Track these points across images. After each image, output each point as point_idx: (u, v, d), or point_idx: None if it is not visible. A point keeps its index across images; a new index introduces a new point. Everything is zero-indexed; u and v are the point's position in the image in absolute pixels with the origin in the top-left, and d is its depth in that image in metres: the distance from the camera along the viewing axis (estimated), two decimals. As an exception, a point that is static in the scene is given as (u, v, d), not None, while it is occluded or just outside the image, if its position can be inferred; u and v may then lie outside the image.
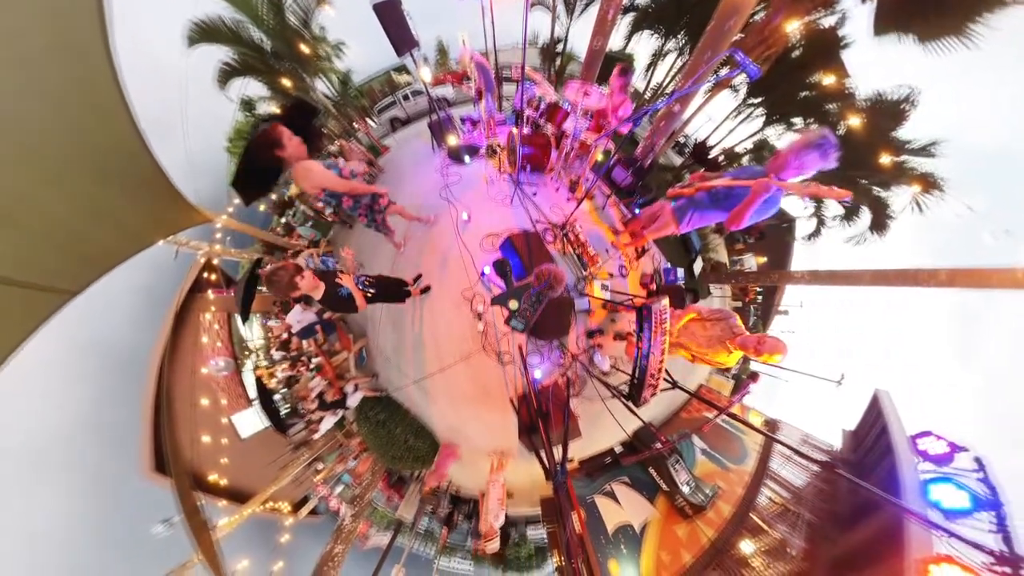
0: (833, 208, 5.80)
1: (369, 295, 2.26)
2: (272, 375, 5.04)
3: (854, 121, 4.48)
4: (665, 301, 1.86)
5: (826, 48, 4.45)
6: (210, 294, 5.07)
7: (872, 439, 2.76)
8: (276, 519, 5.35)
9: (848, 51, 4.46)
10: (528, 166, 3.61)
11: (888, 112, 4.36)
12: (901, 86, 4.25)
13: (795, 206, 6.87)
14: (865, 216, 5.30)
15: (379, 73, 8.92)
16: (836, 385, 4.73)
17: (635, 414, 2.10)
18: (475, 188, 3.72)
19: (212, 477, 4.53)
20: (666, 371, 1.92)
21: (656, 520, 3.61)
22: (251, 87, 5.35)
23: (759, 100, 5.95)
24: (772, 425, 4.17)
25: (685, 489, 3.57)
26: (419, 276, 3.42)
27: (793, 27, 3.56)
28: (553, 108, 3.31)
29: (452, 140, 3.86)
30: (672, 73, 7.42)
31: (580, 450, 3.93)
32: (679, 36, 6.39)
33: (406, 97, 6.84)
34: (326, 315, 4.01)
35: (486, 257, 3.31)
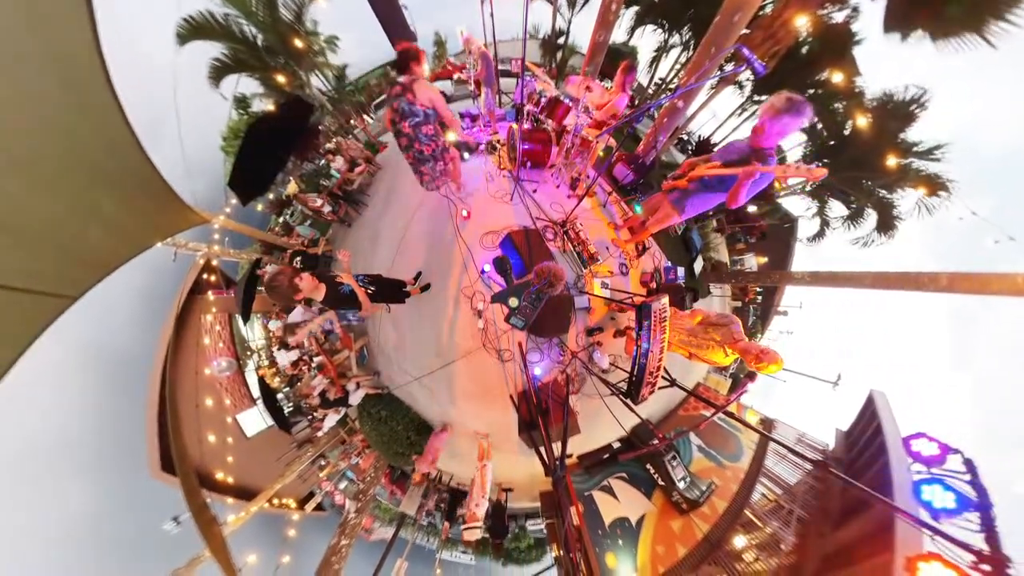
0: (837, 209, 5.75)
1: (369, 292, 2.27)
2: (275, 374, 5.09)
3: (861, 121, 4.40)
4: (665, 300, 1.87)
5: (836, 44, 4.34)
6: (210, 295, 5.08)
7: (866, 439, 2.80)
8: (282, 515, 5.47)
9: (859, 48, 4.35)
10: (528, 162, 3.58)
11: (897, 113, 4.26)
12: (911, 86, 4.14)
13: (798, 207, 6.82)
14: (870, 218, 5.26)
15: (376, 68, 8.76)
16: (832, 386, 4.76)
17: (633, 411, 2.13)
18: (475, 185, 3.69)
19: (219, 475, 4.62)
20: (664, 369, 1.94)
21: (652, 514, 3.69)
22: (245, 84, 5.27)
23: (764, 97, 5.86)
24: (768, 424, 4.22)
25: (681, 485, 3.64)
26: (419, 274, 3.42)
27: (802, 22, 3.47)
28: (554, 103, 3.26)
29: (451, 136, 3.82)
30: (676, 68, 7.28)
31: (579, 446, 3.99)
32: (683, 30, 6.26)
33: (404, 92, 6.75)
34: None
35: (486, 254, 3.30)
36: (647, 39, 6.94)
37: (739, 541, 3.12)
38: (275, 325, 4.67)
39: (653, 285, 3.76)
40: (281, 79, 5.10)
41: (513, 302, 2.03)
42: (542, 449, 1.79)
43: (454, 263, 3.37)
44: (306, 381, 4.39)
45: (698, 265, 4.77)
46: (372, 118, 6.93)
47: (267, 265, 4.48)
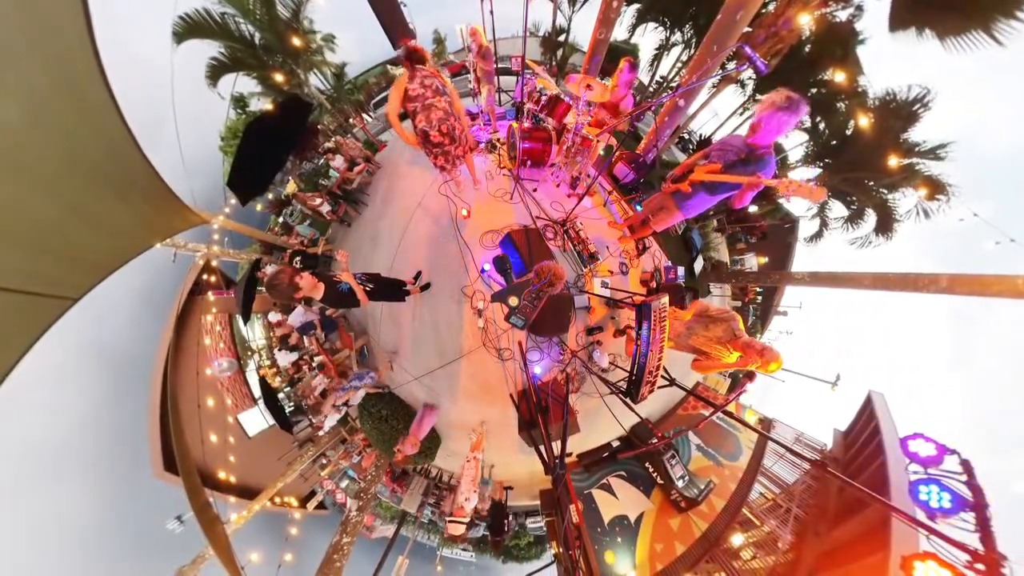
0: (837, 209, 5.74)
1: (368, 289, 2.27)
2: (276, 373, 5.11)
3: (863, 120, 4.37)
4: (665, 299, 1.87)
5: (839, 43, 4.30)
6: (211, 296, 5.09)
7: (864, 439, 2.81)
8: (285, 513, 5.50)
9: (862, 47, 4.30)
10: (528, 161, 3.57)
11: (900, 113, 4.22)
12: (914, 86, 4.10)
13: (799, 207, 6.81)
14: (870, 218, 5.25)
15: (375, 67, 8.69)
16: (831, 386, 4.78)
17: (633, 410, 2.13)
18: (475, 184, 3.68)
19: (221, 475, 4.64)
20: (664, 368, 1.94)
21: (651, 512, 3.72)
22: (243, 83, 5.23)
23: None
24: (766, 423, 4.24)
25: (680, 483, 3.67)
26: (419, 273, 3.42)
27: (805, 21, 3.44)
28: (554, 101, 3.25)
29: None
30: (677, 66, 7.23)
31: (578, 445, 4.01)
32: (685, 28, 6.21)
33: (403, 91, 6.72)
34: (328, 312, 4.03)
35: (486, 254, 3.30)
36: (648, 37, 6.89)
37: (737, 539, 3.15)
38: (275, 317, 4.68)
39: (653, 284, 3.76)
40: (279, 78, 5.07)
41: (513, 301, 2.04)
42: (542, 448, 1.80)
43: (454, 262, 3.37)
44: (307, 380, 4.41)
45: (698, 265, 4.77)
46: (371, 117, 6.90)
47: (267, 265, 4.49)
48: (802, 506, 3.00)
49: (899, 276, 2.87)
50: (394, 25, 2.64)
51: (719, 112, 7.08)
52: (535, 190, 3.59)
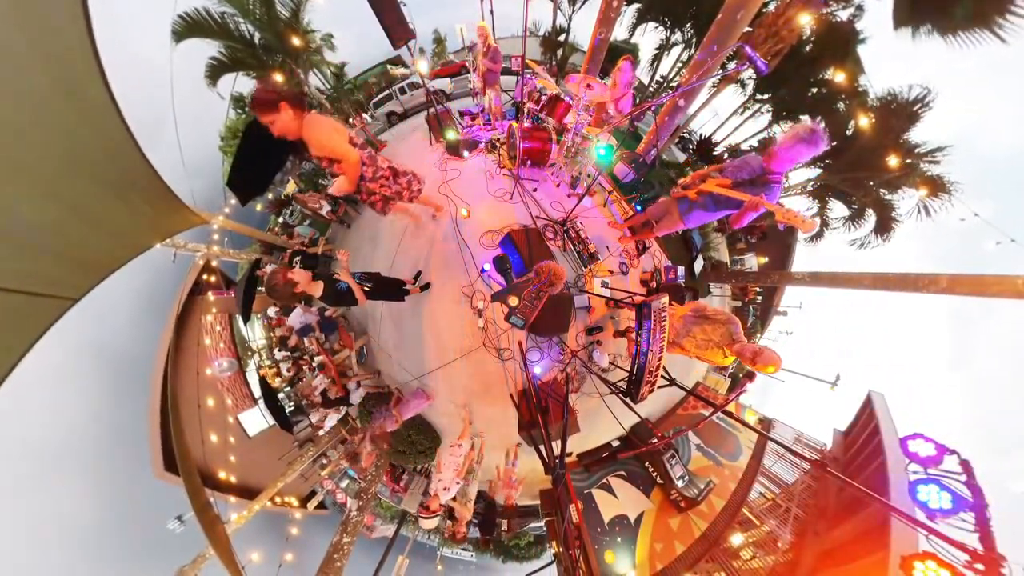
0: (837, 210, 5.74)
1: (367, 289, 2.27)
2: (277, 374, 5.11)
3: (864, 121, 4.37)
4: (665, 299, 1.87)
5: (840, 43, 4.29)
6: (210, 296, 5.08)
7: (864, 439, 2.81)
8: (285, 513, 5.51)
9: (863, 46, 4.30)
10: (528, 161, 3.56)
11: (900, 113, 4.22)
12: (915, 86, 4.10)
13: (799, 207, 6.81)
14: (870, 219, 5.25)
15: (375, 66, 8.69)
16: (831, 387, 4.78)
17: (633, 410, 2.14)
18: (475, 184, 3.68)
19: (222, 475, 4.64)
20: (664, 368, 1.95)
21: (651, 512, 3.72)
22: (243, 83, 5.22)
23: (767, 96, 5.82)
24: (766, 423, 4.24)
25: (680, 483, 3.67)
26: (419, 273, 3.42)
27: (806, 20, 3.43)
28: (554, 101, 3.25)
29: (451, 135, 3.80)
30: (677, 66, 7.22)
31: (578, 444, 4.01)
32: (685, 28, 6.20)
33: (403, 91, 6.66)
34: (327, 312, 4.03)
35: (486, 253, 3.30)
36: (649, 37, 6.89)
37: (737, 539, 3.15)
38: (273, 311, 4.67)
39: (653, 284, 3.76)
40: (279, 78, 5.06)
41: (513, 301, 2.04)
42: (542, 447, 1.80)
43: (454, 262, 3.37)
44: (307, 381, 4.41)
45: (698, 264, 4.77)
46: (371, 117, 6.90)
47: (267, 265, 4.48)
48: (802, 506, 3.01)
49: (899, 276, 2.87)
50: (394, 24, 2.63)
51: (719, 112, 7.07)
52: (535, 190, 3.59)
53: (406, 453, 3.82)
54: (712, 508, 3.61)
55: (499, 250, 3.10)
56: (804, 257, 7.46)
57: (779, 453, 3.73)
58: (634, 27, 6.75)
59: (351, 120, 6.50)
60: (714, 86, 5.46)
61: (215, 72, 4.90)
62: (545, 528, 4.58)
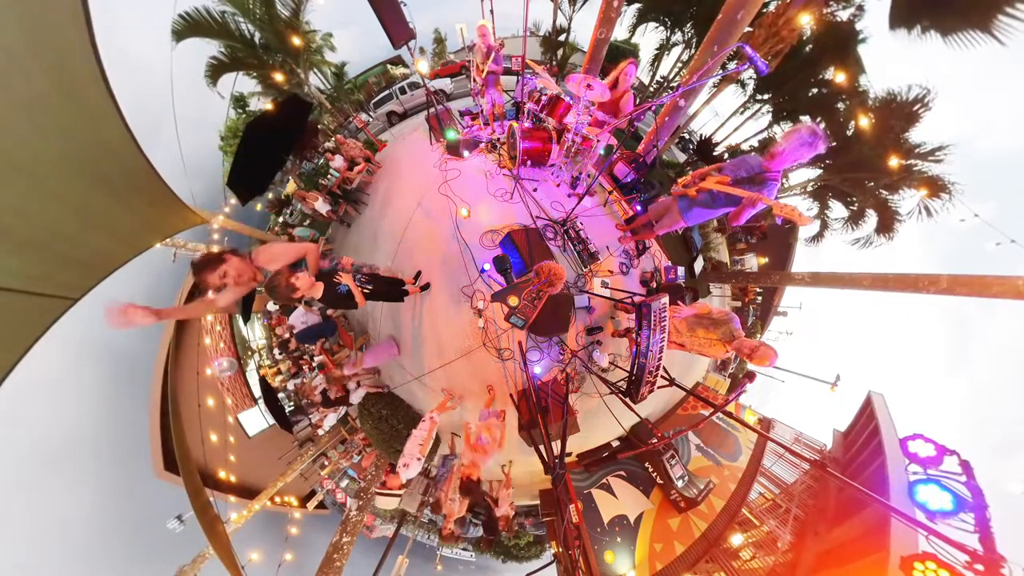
0: (838, 210, 5.74)
1: (367, 291, 2.27)
2: (277, 372, 5.11)
3: (864, 121, 4.38)
4: (665, 299, 1.87)
5: (840, 43, 4.29)
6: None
7: (863, 440, 2.81)
8: (285, 513, 5.50)
9: (864, 46, 4.29)
10: (528, 161, 3.56)
11: (900, 113, 4.22)
12: (914, 86, 4.10)
13: (799, 207, 6.80)
14: (871, 219, 5.25)
15: (375, 66, 8.67)
16: (831, 387, 4.77)
17: (632, 410, 2.14)
18: (475, 183, 3.68)
19: (222, 474, 4.64)
20: (664, 368, 1.95)
21: (650, 512, 3.72)
22: (243, 83, 5.22)
23: (767, 96, 5.82)
24: (766, 423, 4.24)
25: (679, 483, 3.67)
26: (419, 273, 3.42)
27: (806, 20, 3.43)
28: (554, 101, 3.25)
29: (451, 134, 3.80)
30: (678, 66, 7.21)
31: (578, 444, 4.01)
32: (686, 28, 6.20)
33: (403, 90, 6.63)
34: (328, 312, 4.03)
35: (486, 253, 3.30)
36: (649, 37, 6.88)
37: (736, 539, 3.15)
38: (273, 308, 4.67)
39: (653, 284, 3.76)
40: (279, 77, 5.06)
41: (513, 301, 2.04)
42: (542, 447, 1.80)
43: (454, 262, 3.36)
44: (308, 380, 4.41)
45: (698, 265, 4.76)
46: (371, 116, 6.89)
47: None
48: (801, 506, 3.01)
49: (899, 276, 2.87)
50: (394, 24, 2.62)
51: (720, 112, 7.06)
52: (535, 190, 3.59)
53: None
54: (712, 508, 3.61)
55: (499, 250, 3.09)
56: (804, 258, 7.46)
57: (779, 453, 3.73)
58: (634, 27, 6.75)
59: (351, 119, 6.50)
60: (714, 86, 5.47)
61: (215, 72, 4.89)
62: (544, 527, 4.57)
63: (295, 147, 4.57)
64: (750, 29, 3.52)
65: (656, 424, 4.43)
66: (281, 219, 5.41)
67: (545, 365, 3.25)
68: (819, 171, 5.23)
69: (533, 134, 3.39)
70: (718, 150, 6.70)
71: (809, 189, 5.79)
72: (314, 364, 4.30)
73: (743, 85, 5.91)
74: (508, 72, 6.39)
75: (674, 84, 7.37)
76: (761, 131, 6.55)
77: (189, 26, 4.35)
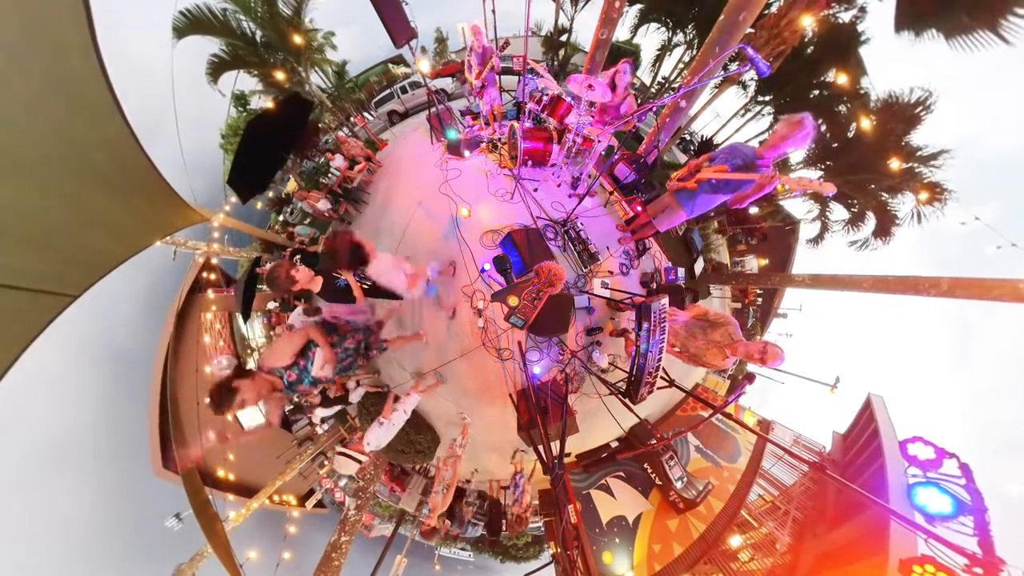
0: (838, 212, 5.73)
1: (366, 287, 2.27)
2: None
3: (865, 123, 4.36)
4: (665, 300, 1.87)
5: (842, 44, 4.28)
6: (210, 293, 5.07)
7: (863, 442, 2.81)
8: (283, 512, 5.50)
9: (865, 48, 4.29)
10: (529, 161, 3.56)
11: (901, 115, 4.20)
12: (916, 89, 4.08)
13: (799, 209, 6.81)
14: (870, 221, 5.24)
15: (376, 65, 8.67)
16: (831, 389, 4.77)
17: (632, 411, 2.13)
18: (475, 183, 3.67)
19: (220, 473, 4.63)
20: (663, 369, 1.94)
21: (649, 513, 3.72)
22: (244, 81, 5.21)
23: (768, 98, 5.81)
24: (765, 425, 4.24)
25: (678, 484, 3.67)
26: (419, 273, 3.41)
27: (808, 22, 3.42)
28: (555, 101, 3.24)
29: (452, 134, 3.80)
30: (679, 67, 7.21)
31: (577, 445, 4.01)
32: (687, 29, 6.19)
33: (404, 90, 6.64)
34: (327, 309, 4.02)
35: (486, 253, 3.30)
36: (651, 37, 6.88)
37: (735, 541, 3.15)
38: (273, 306, 4.66)
39: (653, 285, 3.75)
40: (280, 76, 5.06)
41: (513, 301, 2.03)
42: (541, 448, 1.80)
43: (454, 262, 3.36)
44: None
45: (699, 266, 4.76)
46: (372, 115, 6.88)
47: (267, 263, 4.48)
48: (800, 508, 3.00)
49: (900, 279, 2.87)
50: (396, 23, 2.62)
51: (721, 113, 7.06)
52: (536, 190, 3.58)
53: (405, 452, 3.81)
54: (710, 510, 3.61)
55: (499, 250, 3.09)
56: (804, 259, 7.46)
57: (778, 455, 3.73)
58: (636, 27, 6.75)
59: (352, 118, 6.50)
60: (716, 87, 5.46)
61: (216, 69, 4.89)
62: (543, 528, 4.57)
63: (296, 146, 4.57)
64: (752, 30, 3.51)
65: (655, 425, 4.42)
66: (281, 217, 5.41)
67: (544, 365, 3.24)
68: (820, 173, 5.22)
69: (534, 134, 3.39)
70: (720, 151, 6.68)
71: (809, 191, 5.77)
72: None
73: (744, 86, 5.91)
74: (509, 72, 6.38)
75: (675, 85, 7.37)
76: (762, 132, 6.54)
77: (190, 23, 4.35)
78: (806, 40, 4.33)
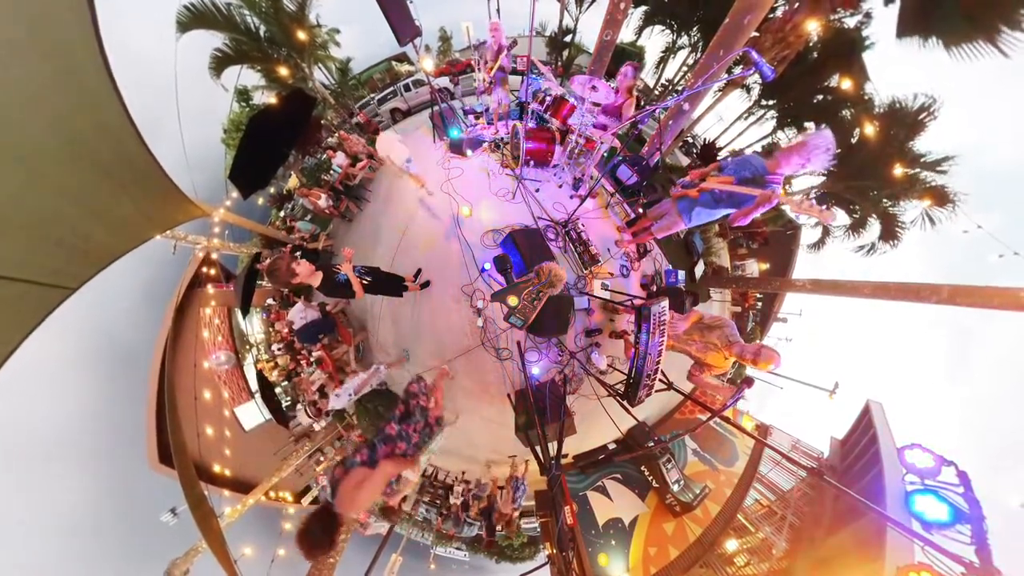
0: (840, 217, 5.72)
1: (366, 283, 2.27)
2: (274, 366, 5.10)
3: (869, 129, 4.36)
4: (664, 303, 1.86)
5: (846, 50, 4.29)
6: (210, 289, 5.07)
7: (861, 448, 2.80)
8: (279, 508, 5.49)
9: (869, 54, 4.29)
10: (531, 161, 3.56)
11: (905, 121, 4.20)
12: (920, 95, 4.08)
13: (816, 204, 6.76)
14: (873, 227, 5.23)
15: (380, 63, 8.67)
16: (829, 395, 4.76)
17: (630, 413, 2.13)
18: (477, 183, 3.67)
19: (217, 468, 4.62)
20: (662, 372, 1.94)
21: (645, 516, 3.72)
22: (247, 76, 5.20)
23: (772, 102, 5.80)
24: (763, 430, 4.23)
25: (675, 487, 3.66)
26: (419, 271, 3.41)
27: (813, 27, 3.42)
28: (558, 102, 3.24)
29: (455, 133, 3.79)
30: (683, 70, 7.21)
31: (575, 446, 4.01)
32: (692, 31, 6.19)
33: (407, 88, 6.64)
34: (327, 307, 4.02)
35: (487, 253, 3.29)
36: (655, 39, 6.88)
37: (731, 545, 3.14)
38: (272, 302, 4.66)
39: (653, 288, 3.75)
40: (283, 71, 5.05)
41: (513, 301, 2.03)
42: (538, 448, 1.79)
43: (455, 261, 3.36)
44: (305, 376, 4.40)
45: (699, 269, 4.75)
46: (375, 113, 6.87)
47: (267, 259, 4.48)
48: (797, 513, 3.00)
49: (900, 285, 2.86)
50: (400, 21, 2.62)
51: (724, 116, 7.06)
52: (537, 190, 3.58)
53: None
54: (707, 513, 3.60)
55: (500, 250, 3.09)
56: (805, 264, 7.45)
57: (776, 460, 3.72)
58: (641, 29, 6.75)
59: (353, 117, 6.50)
60: (719, 91, 5.46)
61: (219, 64, 4.88)
62: (539, 529, 4.57)
63: (298, 142, 4.56)
64: (756, 34, 3.50)
65: (653, 428, 4.42)
66: (282, 214, 5.40)
67: (543, 366, 3.24)
68: (822, 178, 5.22)
69: (536, 134, 3.38)
70: (721, 155, 6.69)
71: (811, 196, 5.77)
72: (312, 359, 4.29)
73: (748, 90, 5.91)
74: (513, 72, 6.37)
75: (679, 87, 7.37)
76: (765, 136, 6.54)
77: (194, 18, 4.35)
78: (810, 45, 4.32)
